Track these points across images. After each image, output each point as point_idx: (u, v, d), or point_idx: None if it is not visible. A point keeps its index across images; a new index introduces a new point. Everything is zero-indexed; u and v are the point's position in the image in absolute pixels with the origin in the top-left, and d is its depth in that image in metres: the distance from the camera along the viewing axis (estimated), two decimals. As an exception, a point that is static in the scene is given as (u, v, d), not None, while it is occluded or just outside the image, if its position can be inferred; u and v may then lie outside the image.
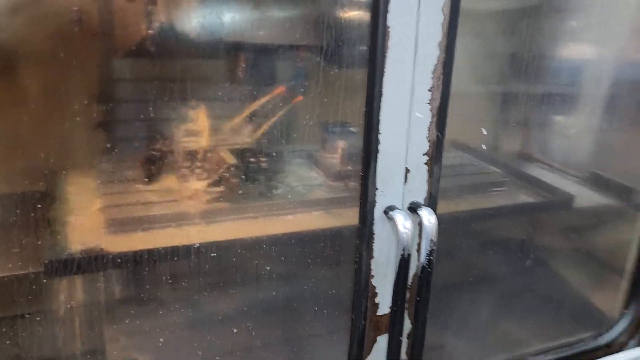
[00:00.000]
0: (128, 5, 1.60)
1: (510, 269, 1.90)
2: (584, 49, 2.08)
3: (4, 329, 1.46)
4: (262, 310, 1.44)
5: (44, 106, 1.38)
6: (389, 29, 1.01)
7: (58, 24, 1.26)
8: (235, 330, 1.34)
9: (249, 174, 1.73)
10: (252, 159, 1.76)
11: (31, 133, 1.43)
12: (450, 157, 2.25)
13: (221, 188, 1.73)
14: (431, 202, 1.16)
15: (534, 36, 2.09)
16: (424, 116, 1.10)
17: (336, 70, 1.24)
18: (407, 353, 1.22)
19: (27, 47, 1.12)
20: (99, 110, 1.65)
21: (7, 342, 1.43)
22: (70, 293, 1.56)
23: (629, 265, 1.62)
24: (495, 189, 2.17)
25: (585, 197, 2.04)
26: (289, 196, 1.72)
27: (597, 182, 2.03)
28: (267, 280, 1.52)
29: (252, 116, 1.76)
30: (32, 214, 1.43)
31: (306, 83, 1.67)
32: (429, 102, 1.10)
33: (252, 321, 1.51)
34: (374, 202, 1.11)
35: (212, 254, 1.50)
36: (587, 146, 2.26)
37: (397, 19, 1.01)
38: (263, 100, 1.75)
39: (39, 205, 1.51)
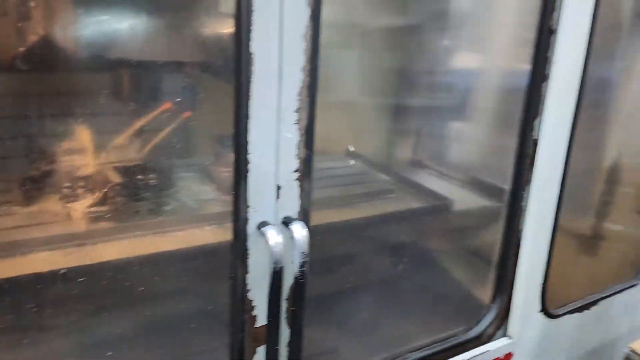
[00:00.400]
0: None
1: (396, 271, 2.03)
2: (463, 61, 2.26)
3: None
4: (144, 331, 1.43)
5: None
6: (253, 56, 1.06)
7: None
8: (109, 354, 1.32)
9: (137, 192, 1.72)
10: (139, 176, 1.74)
11: None
12: (341, 167, 2.36)
13: (106, 207, 1.71)
14: (303, 216, 1.23)
15: (417, 51, 2.24)
16: (292, 136, 1.17)
17: (224, 85, 1.27)
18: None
19: None
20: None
21: None
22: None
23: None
24: (385, 196, 2.30)
25: (467, 199, 2.22)
26: (180, 212, 1.73)
27: (476, 185, 2.21)
28: (149, 300, 1.52)
29: (138, 132, 1.75)
30: None
31: (195, 98, 1.69)
32: (296, 122, 1.17)
33: (133, 343, 1.50)
34: (246, 219, 1.15)
35: (86, 277, 1.48)
36: (468, 152, 2.46)
37: (260, 46, 1.07)
38: (149, 116, 1.74)
39: None
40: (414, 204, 2.27)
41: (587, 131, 2.54)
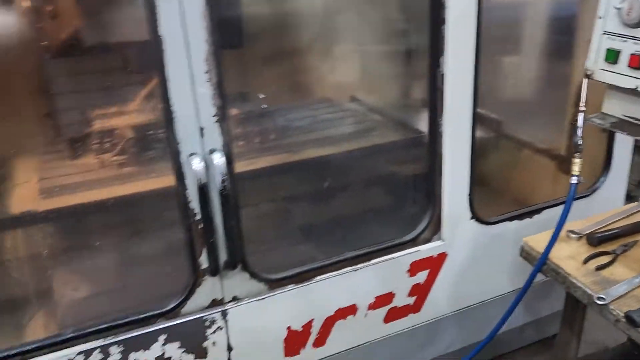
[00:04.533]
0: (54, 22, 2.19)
1: (360, 192, 2.44)
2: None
3: None
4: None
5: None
6: (163, 38, 1.54)
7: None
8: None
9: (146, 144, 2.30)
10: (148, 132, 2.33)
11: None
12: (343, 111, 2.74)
13: (125, 157, 2.32)
14: (225, 147, 1.71)
15: None
16: (206, 90, 1.64)
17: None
18: (227, 253, 1.80)
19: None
20: (39, 105, 2.24)
21: None
22: (15, 245, 2.17)
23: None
24: (371, 133, 2.68)
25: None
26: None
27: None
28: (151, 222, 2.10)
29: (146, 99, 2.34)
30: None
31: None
32: (207, 80, 1.64)
33: (138, 254, 2.10)
34: (178, 152, 1.66)
35: (111, 209, 2.08)
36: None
37: (166, 29, 1.54)
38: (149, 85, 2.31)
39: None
40: (390, 138, 2.64)
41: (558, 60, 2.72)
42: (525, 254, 1.90)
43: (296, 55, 2.60)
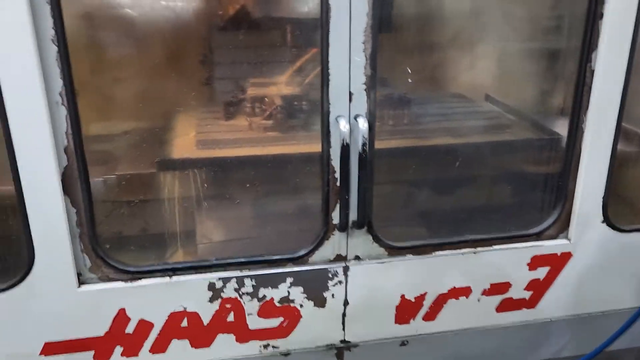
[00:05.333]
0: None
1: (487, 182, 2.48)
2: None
3: (133, 210, 2.42)
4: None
5: (163, 69, 2.31)
6: (331, 6, 1.73)
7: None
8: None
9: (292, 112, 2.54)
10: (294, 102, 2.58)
11: (158, 86, 2.39)
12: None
13: (272, 121, 2.58)
14: (369, 114, 1.86)
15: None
16: (360, 59, 1.81)
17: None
18: (357, 214, 1.94)
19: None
20: (202, 72, 2.58)
21: (128, 218, 2.35)
22: (172, 185, 2.50)
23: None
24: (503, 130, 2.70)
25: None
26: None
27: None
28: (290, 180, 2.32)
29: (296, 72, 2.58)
30: (156, 136, 2.38)
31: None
32: (363, 50, 1.80)
33: (275, 206, 2.32)
34: (328, 112, 1.84)
35: (263, 165, 2.33)
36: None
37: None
38: (302, 59, 2.56)
39: (158, 133, 2.47)
40: (522, 136, 2.64)
41: None
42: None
43: (438, 49, 2.70)
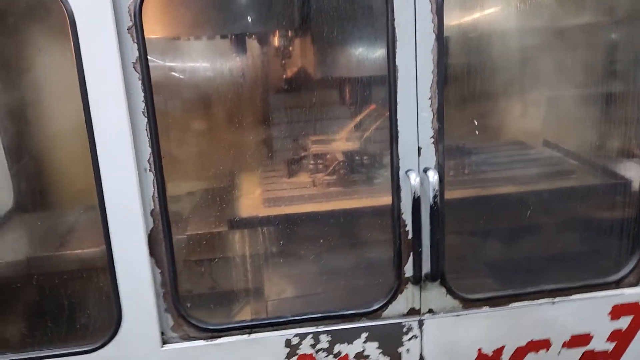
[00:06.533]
0: (277, 60, 2.67)
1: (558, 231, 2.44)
2: None
3: (204, 268, 2.50)
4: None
5: (229, 132, 2.45)
6: (397, 66, 1.81)
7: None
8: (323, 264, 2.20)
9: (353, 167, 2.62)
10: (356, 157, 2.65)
11: (219, 150, 2.52)
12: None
13: (335, 177, 2.65)
14: (438, 166, 1.90)
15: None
16: (427, 114, 1.86)
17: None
18: (429, 266, 1.95)
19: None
20: (261, 132, 2.70)
21: (204, 275, 2.44)
22: (242, 243, 2.58)
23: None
24: (569, 176, 2.68)
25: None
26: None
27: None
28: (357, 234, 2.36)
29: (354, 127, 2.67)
30: (223, 197, 2.48)
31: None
32: (430, 106, 1.86)
33: (343, 260, 2.35)
34: (398, 167, 1.89)
35: (322, 220, 2.39)
36: None
37: (402, 59, 1.80)
38: (361, 115, 2.65)
39: (225, 192, 2.58)
40: (587, 182, 2.60)
41: None
42: None
43: (492, 98, 2.73)
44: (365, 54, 2.31)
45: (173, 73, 2.51)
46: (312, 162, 2.72)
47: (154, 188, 1.77)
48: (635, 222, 2.08)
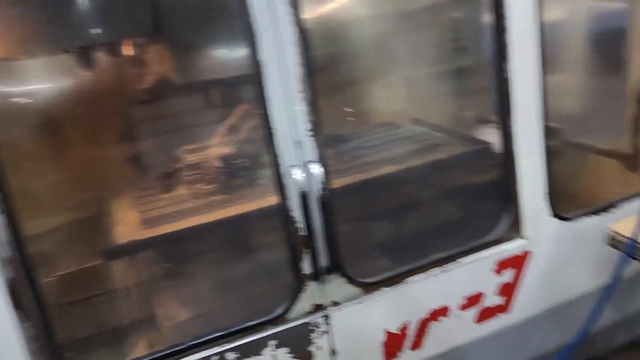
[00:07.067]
0: (133, 70, 2.46)
1: (437, 202, 2.55)
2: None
3: (85, 307, 2.26)
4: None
5: (89, 154, 2.21)
6: (263, 63, 1.74)
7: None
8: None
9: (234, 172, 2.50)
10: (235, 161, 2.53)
11: (80, 175, 2.27)
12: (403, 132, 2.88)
13: (214, 185, 2.52)
14: (320, 159, 1.87)
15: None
16: (300, 107, 1.82)
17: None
18: (326, 259, 1.92)
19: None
20: (126, 149, 2.48)
21: (86, 316, 2.20)
22: (123, 272, 2.36)
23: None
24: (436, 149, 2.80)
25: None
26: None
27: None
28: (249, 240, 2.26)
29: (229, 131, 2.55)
30: (94, 226, 2.25)
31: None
32: (302, 99, 1.82)
33: (240, 270, 2.25)
34: (279, 165, 1.83)
35: (217, 230, 2.25)
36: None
37: (265, 55, 1.74)
38: (234, 117, 2.54)
39: (96, 221, 2.34)
40: (457, 151, 2.75)
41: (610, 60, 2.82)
42: (612, 240, 1.95)
43: (357, 84, 2.80)
44: (228, 54, 2.22)
45: (13, 99, 2.22)
46: (188, 173, 2.57)
47: (5, 232, 1.53)
48: (503, 181, 2.23)
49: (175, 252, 2.34)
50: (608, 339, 2.54)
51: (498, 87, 2.11)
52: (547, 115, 2.18)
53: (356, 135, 2.79)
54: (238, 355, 1.86)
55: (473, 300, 2.21)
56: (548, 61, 2.12)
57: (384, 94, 2.96)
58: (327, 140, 2.39)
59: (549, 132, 2.40)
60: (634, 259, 1.88)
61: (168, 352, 1.81)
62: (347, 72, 2.71)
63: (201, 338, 1.86)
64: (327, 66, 2.54)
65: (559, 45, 2.75)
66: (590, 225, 2.33)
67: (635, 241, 1.84)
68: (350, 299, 2.02)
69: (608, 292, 1.99)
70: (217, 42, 2.31)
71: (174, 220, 2.29)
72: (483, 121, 2.68)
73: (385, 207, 2.45)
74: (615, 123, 2.82)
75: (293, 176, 1.82)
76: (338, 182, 2.29)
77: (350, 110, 2.39)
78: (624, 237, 1.89)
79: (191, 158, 2.56)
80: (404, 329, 2.10)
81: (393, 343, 2.09)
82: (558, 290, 2.35)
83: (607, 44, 2.84)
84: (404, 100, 3.05)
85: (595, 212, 2.34)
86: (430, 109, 3.01)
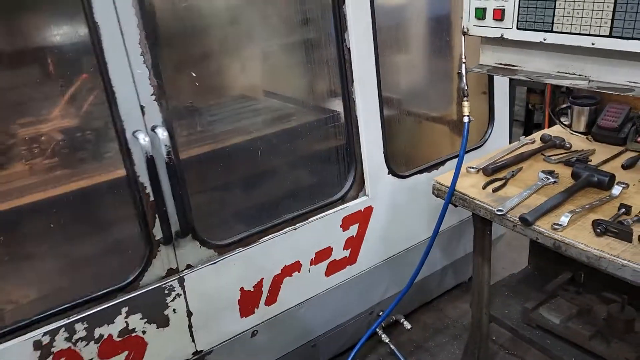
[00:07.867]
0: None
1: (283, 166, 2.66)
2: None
3: None
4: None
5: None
6: (99, 24, 1.69)
7: None
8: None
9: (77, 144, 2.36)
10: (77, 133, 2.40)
11: None
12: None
13: (55, 159, 2.37)
14: (166, 123, 1.87)
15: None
16: (142, 71, 1.80)
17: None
18: (178, 224, 1.94)
19: None
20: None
21: None
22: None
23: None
24: (289, 118, 2.90)
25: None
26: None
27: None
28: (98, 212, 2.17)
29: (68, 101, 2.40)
30: None
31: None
32: (143, 62, 1.80)
33: (90, 244, 2.17)
34: (123, 130, 1.80)
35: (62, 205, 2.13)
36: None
37: (101, 16, 1.69)
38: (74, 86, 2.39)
39: None
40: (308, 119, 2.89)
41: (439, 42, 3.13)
42: (437, 190, 2.22)
43: (208, 58, 2.80)
44: (58, 18, 2.09)
45: None
46: (24, 147, 2.39)
47: None
48: (348, 145, 2.42)
49: (13, 231, 2.18)
50: (439, 283, 2.90)
51: (341, 57, 2.27)
52: (384, 85, 2.39)
53: (211, 108, 2.80)
54: (87, 326, 1.83)
55: (323, 254, 2.38)
56: (386, 40, 2.32)
57: (238, 67, 3.00)
58: (179, 111, 2.39)
59: (388, 103, 2.65)
60: (454, 205, 2.17)
61: (7, 329, 1.72)
62: (199, 44, 2.70)
63: (47, 311, 1.78)
64: (180, 34, 2.52)
65: (398, 28, 3.02)
66: (422, 181, 2.62)
67: (454, 189, 2.13)
68: (205, 261, 2.07)
69: (432, 238, 2.28)
70: (44, 5, 2.16)
71: (7, 199, 2.14)
72: (331, 91, 2.86)
73: (240, 173, 2.51)
74: (443, 95, 3.17)
75: (139, 141, 1.80)
76: (193, 152, 2.32)
77: (197, 79, 2.40)
78: (445, 186, 2.17)
79: (27, 132, 2.38)
80: (258, 286, 2.21)
81: (248, 300, 2.19)
82: (397, 241, 2.63)
83: (437, 27, 3.17)
84: (258, 73, 3.12)
85: (427, 170, 2.64)
86: (282, 81, 3.12)
